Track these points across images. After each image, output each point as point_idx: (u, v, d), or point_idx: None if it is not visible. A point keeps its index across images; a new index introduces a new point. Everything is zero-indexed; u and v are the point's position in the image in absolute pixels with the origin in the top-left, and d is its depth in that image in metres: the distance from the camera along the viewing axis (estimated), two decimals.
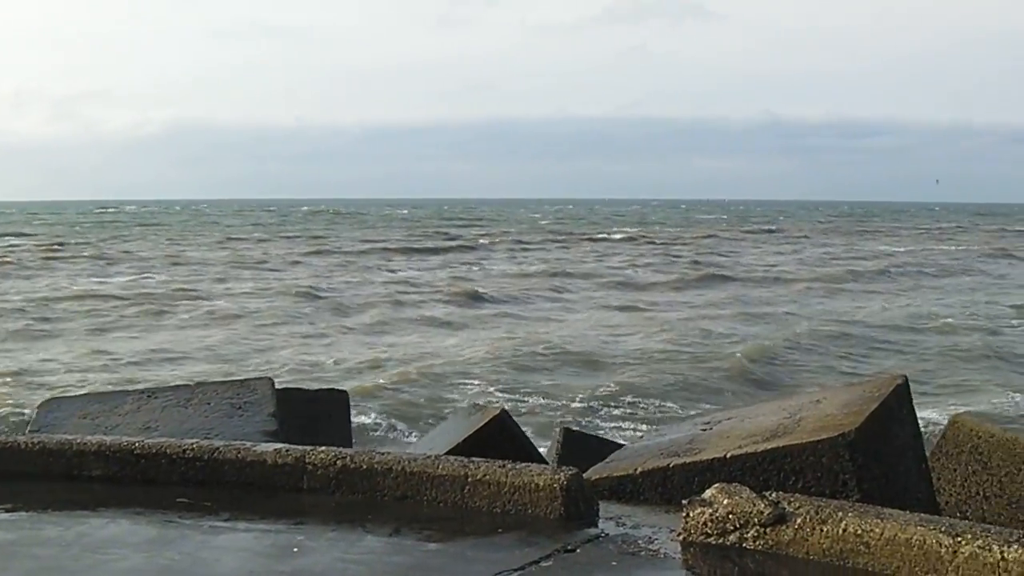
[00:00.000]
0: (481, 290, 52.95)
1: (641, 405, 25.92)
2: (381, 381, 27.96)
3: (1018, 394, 27.41)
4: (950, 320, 42.09)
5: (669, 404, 26.16)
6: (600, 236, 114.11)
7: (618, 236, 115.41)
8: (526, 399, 26.22)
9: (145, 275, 62.22)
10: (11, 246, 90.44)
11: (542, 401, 26.01)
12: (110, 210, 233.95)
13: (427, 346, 35.53)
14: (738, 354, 32.69)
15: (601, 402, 25.93)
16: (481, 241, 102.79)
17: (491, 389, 27.51)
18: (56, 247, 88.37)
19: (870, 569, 6.04)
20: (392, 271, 67.87)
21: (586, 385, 27.84)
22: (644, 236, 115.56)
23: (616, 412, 25.03)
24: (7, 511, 7.65)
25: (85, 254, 79.66)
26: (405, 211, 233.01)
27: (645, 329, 39.63)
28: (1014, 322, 42.58)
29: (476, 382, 28.41)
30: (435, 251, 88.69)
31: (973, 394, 27.91)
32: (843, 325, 40.18)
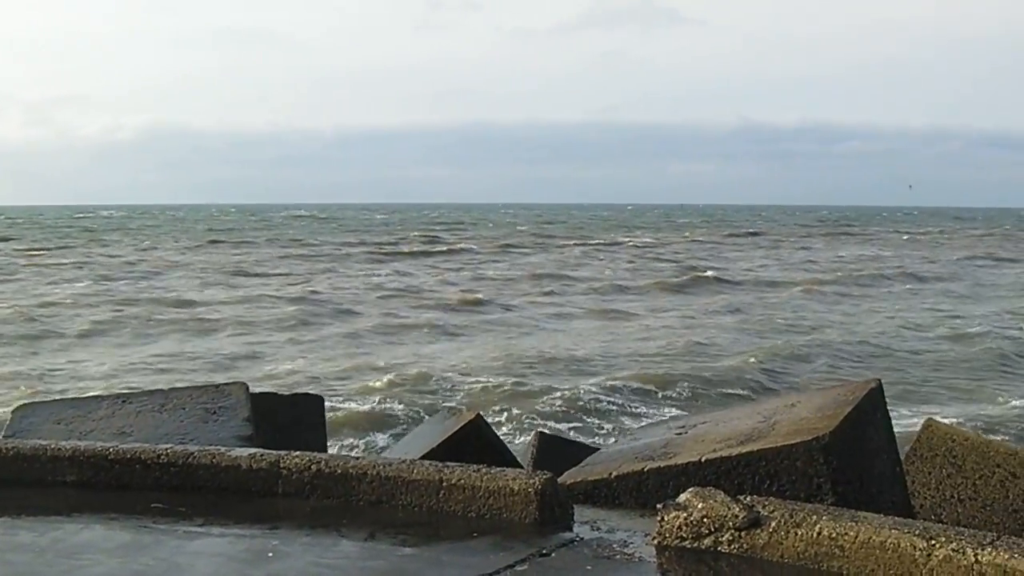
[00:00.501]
0: (474, 295, 52.74)
1: (632, 410, 25.84)
2: (377, 385, 27.93)
3: (1020, 400, 27.05)
4: (951, 326, 41.64)
5: (665, 409, 26.01)
6: (583, 241, 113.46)
7: (602, 240, 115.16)
8: (515, 402, 26.10)
9: (132, 280, 61.72)
10: None
11: (529, 405, 25.86)
12: (89, 215, 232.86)
13: (421, 350, 35.51)
14: (751, 360, 32.41)
15: (588, 406, 25.81)
16: (463, 246, 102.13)
17: (484, 391, 27.44)
18: (40, 252, 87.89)
19: (844, 572, 6.05)
20: (381, 275, 67.46)
21: (575, 389, 27.61)
22: (628, 240, 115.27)
23: (602, 418, 24.96)
24: None
25: (67, 260, 79.06)
26: (383, 216, 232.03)
27: (638, 334, 39.50)
28: (1007, 326, 41.86)
29: (468, 385, 28.26)
30: (421, 255, 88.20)
31: (973, 399, 27.65)
32: (844, 332, 39.70)
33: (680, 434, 9.00)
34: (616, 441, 10.56)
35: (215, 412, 10.42)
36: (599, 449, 11.28)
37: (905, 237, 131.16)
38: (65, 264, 74.57)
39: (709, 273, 67.21)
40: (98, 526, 7.35)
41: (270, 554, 6.64)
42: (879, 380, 8.80)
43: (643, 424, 19.66)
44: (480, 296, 52.20)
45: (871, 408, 8.21)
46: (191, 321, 42.42)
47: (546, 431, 13.80)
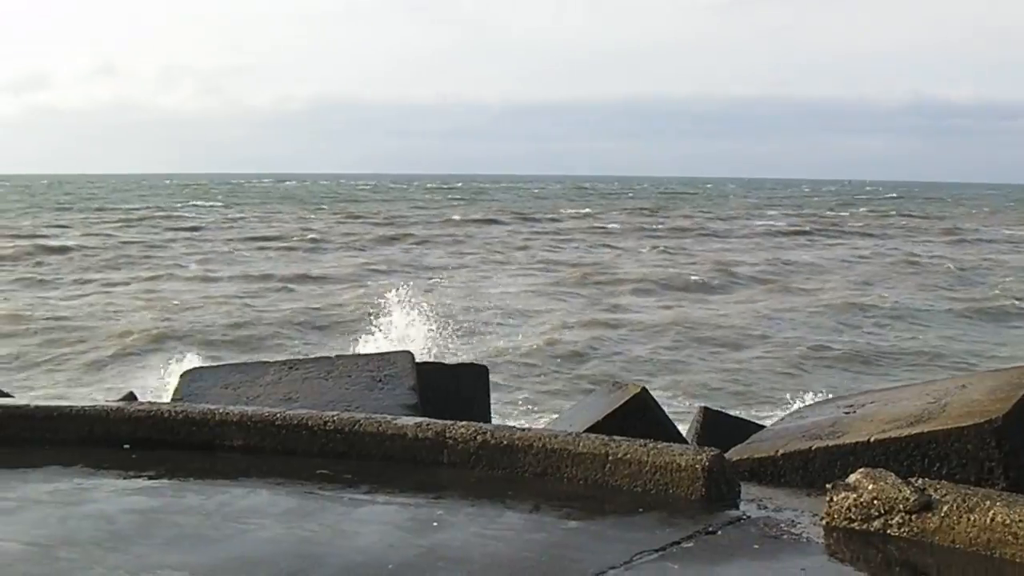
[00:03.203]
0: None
1: None
2: None
3: None
4: None
5: None
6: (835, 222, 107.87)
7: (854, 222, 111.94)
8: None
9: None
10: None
11: None
12: (283, 183, 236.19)
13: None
14: None
15: None
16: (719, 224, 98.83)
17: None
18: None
19: (1018, 560, 5.89)
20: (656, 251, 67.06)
21: None
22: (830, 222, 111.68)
23: None
24: (150, 478, 7.80)
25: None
26: (588, 186, 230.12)
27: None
28: None
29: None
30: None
31: None
32: None
33: (848, 413, 8.85)
34: (782, 419, 10.41)
35: (381, 380, 10.50)
36: (762, 426, 11.17)
37: None
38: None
39: None
40: (264, 491, 7.46)
41: (435, 523, 6.67)
42: None
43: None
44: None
45: None
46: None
47: (710, 406, 13.65)
